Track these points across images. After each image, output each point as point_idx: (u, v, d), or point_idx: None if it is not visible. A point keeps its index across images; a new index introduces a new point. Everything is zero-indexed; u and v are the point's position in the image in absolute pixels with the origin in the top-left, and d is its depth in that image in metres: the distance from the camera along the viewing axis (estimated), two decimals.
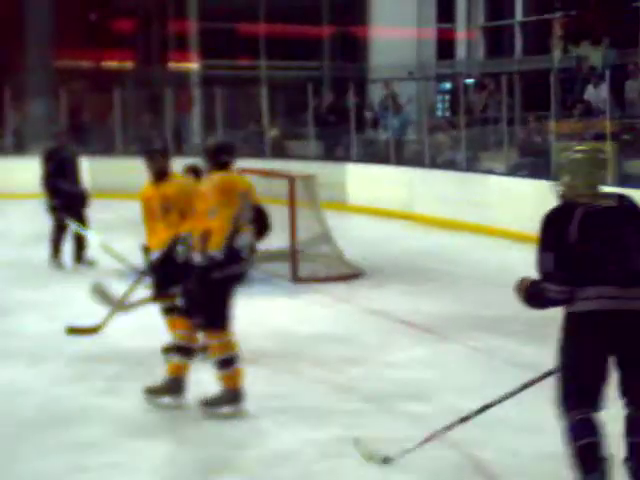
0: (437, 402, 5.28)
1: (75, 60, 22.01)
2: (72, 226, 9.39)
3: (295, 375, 5.88)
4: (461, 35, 20.78)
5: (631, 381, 3.81)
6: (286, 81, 19.89)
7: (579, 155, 3.96)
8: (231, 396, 5.08)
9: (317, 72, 21.71)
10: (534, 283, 3.86)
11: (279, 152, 16.55)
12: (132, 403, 5.25)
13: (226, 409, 5.08)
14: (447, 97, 18.36)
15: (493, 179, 12.19)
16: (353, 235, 11.18)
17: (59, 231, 9.47)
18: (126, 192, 15.31)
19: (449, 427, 4.26)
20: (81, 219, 9.48)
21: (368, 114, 16.38)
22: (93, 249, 9.46)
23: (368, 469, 4.28)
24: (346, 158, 15.32)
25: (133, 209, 14.70)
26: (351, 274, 9.02)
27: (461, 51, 20.68)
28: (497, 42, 20.21)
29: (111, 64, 22.52)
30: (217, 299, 5.12)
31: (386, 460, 4.29)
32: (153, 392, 5.24)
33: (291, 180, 9.24)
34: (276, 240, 9.25)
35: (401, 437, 4.56)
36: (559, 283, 3.78)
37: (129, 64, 23.00)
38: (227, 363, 5.10)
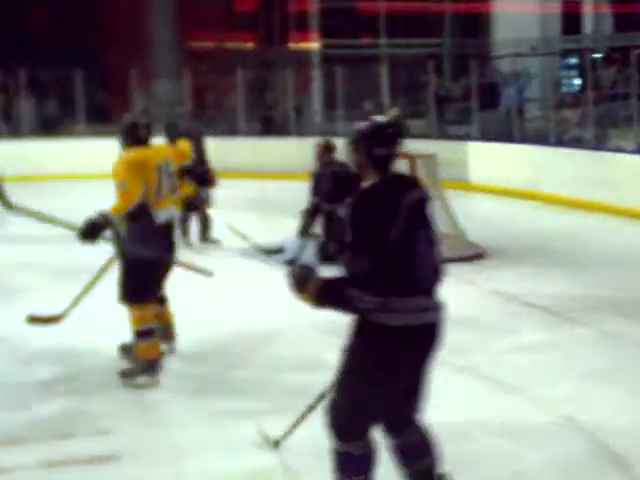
0: (564, 387, 5.15)
1: (199, 42, 22.44)
2: (198, 205, 9.58)
3: None
4: (588, 9, 20.18)
5: (413, 403, 3.43)
6: (406, 59, 19.76)
7: (361, 127, 3.34)
8: (146, 366, 5.23)
9: (438, 49, 21.48)
10: (336, 286, 3.19)
11: None
12: None
13: (142, 379, 5.22)
14: (573, 72, 17.89)
15: (622, 157, 11.79)
16: (476, 215, 11.03)
17: (187, 211, 9.66)
18: (249, 171, 15.62)
19: (312, 406, 4.09)
20: (206, 198, 9.66)
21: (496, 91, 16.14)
22: (218, 228, 9.65)
23: (486, 454, 4.24)
24: (468, 136, 15.11)
25: (257, 188, 15.03)
26: (474, 255, 8.88)
27: (588, 25, 20.09)
28: (626, 15, 19.54)
29: (233, 45, 22.85)
30: (131, 272, 5.24)
31: (276, 444, 4.20)
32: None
33: (411, 159, 9.14)
34: None
35: (528, 421, 4.49)
36: (375, 294, 3.12)
37: (251, 45, 23.30)
38: (144, 334, 5.23)
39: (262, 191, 14.11)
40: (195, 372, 5.56)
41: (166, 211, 5.33)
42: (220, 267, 8.67)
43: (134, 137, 5.32)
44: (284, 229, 9.73)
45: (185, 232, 9.70)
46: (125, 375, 5.29)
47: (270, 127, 18.22)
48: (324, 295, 3.19)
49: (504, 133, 14.85)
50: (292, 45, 22.30)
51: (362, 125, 3.37)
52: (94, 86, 18.32)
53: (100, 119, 17.72)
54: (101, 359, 5.69)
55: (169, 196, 5.36)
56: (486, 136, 14.82)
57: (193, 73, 17.92)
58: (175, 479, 4.08)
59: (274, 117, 18.67)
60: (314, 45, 21.54)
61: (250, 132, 17.66)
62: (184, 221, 9.70)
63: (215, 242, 9.68)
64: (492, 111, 15.85)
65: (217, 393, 5.17)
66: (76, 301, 5.89)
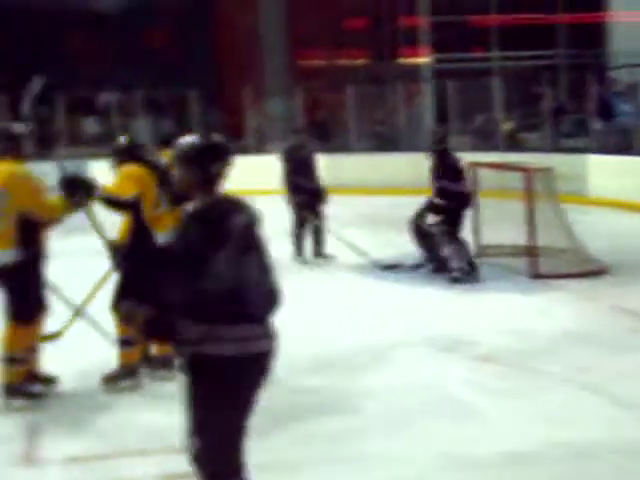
0: None
1: (310, 60, 22.66)
2: (312, 222, 9.63)
3: (535, 374, 5.68)
4: None
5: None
6: (519, 71, 19.46)
7: (195, 143, 3.17)
8: (128, 371, 5.54)
9: (552, 61, 21.08)
10: (164, 318, 3.07)
11: (513, 144, 16.18)
12: None
13: (125, 383, 5.52)
14: None
15: None
16: (595, 229, 10.70)
17: (300, 227, 9.72)
18: (361, 187, 15.63)
19: None
20: (319, 215, 9.69)
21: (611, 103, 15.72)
22: (331, 244, 9.65)
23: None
24: (585, 149, 14.73)
25: (369, 204, 15.04)
26: (594, 270, 8.62)
27: None
28: None
29: (344, 62, 22.97)
30: (124, 284, 5.45)
31: None
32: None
33: (528, 173, 8.96)
34: (510, 235, 9.07)
35: None
36: (202, 321, 3.01)
37: (361, 61, 23.37)
38: (126, 342, 5.49)
39: (374, 207, 14.08)
40: (308, 390, 5.54)
41: (167, 233, 5.39)
42: (333, 282, 8.72)
43: (132, 155, 5.59)
44: (396, 245, 9.68)
45: (299, 250, 9.72)
46: (108, 380, 5.52)
47: (382, 142, 18.22)
48: (150, 328, 3.11)
49: (622, 145, 14.43)
50: (402, 60, 22.25)
51: (194, 141, 3.19)
52: (209, 106, 18.68)
53: None
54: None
55: (169, 217, 5.47)
56: (604, 148, 14.41)
57: (305, 91, 18.06)
58: None
59: (386, 132, 18.66)
60: (425, 60, 21.43)
61: (362, 148, 17.69)
62: (299, 238, 9.75)
63: (329, 257, 9.68)
64: (609, 123, 15.42)
65: (323, 413, 5.14)
66: (76, 314, 6.00)
